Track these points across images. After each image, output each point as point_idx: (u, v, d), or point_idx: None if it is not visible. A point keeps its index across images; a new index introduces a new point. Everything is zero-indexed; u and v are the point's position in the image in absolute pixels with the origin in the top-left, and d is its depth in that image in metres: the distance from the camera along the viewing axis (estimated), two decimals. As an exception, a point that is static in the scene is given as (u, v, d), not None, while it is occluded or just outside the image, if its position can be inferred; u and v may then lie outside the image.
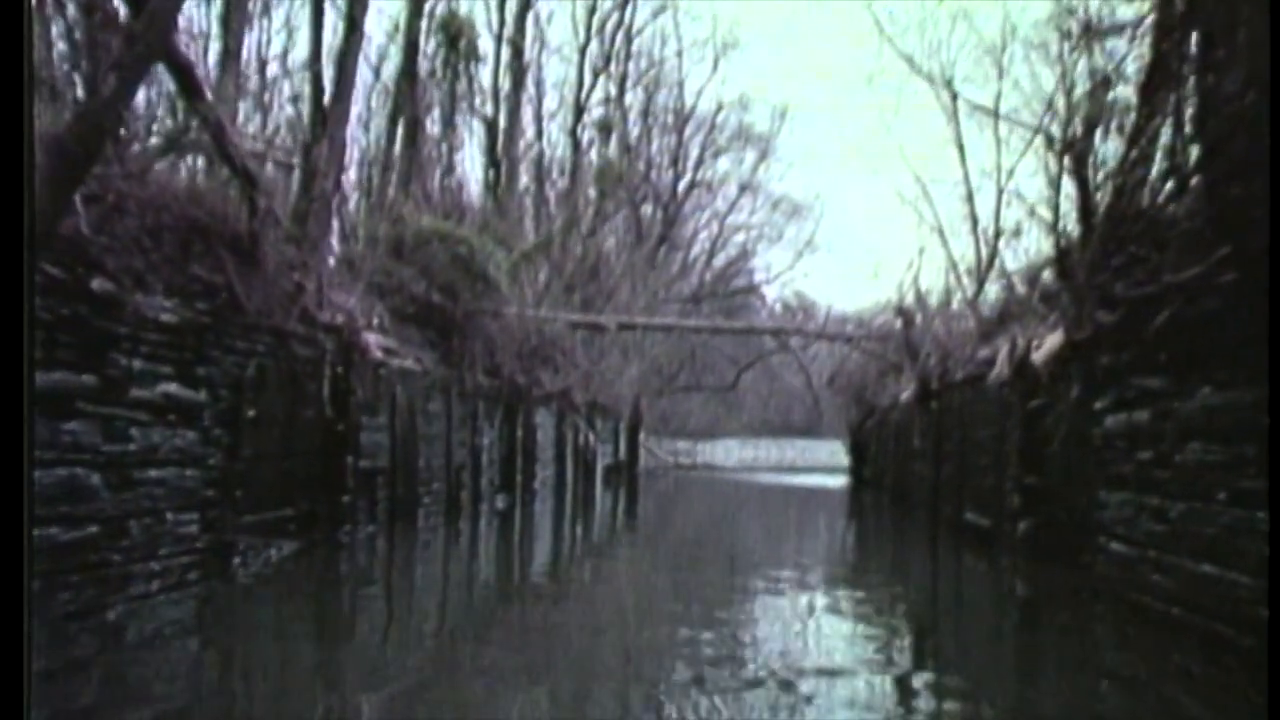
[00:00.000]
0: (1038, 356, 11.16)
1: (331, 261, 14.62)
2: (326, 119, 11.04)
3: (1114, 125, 8.31)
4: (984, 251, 19.60)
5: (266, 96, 15.18)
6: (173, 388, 8.01)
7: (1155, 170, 7.22)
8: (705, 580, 10.48)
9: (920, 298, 18.65)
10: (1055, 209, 13.40)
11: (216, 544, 8.57)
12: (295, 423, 10.36)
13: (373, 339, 12.10)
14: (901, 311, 17.48)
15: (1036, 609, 8.97)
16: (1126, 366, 7.69)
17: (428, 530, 13.48)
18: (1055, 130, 10.82)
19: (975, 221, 20.54)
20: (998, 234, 18.73)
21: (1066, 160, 9.07)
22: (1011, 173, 18.55)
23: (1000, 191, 19.27)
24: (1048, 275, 13.22)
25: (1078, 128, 9.06)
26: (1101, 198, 8.56)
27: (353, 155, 17.49)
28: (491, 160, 22.45)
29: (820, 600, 9.21)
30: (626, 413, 32.73)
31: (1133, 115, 7.97)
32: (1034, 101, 14.58)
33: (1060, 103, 9.81)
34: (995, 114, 14.40)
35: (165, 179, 8.42)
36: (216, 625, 7.39)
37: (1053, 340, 10.81)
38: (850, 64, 49.59)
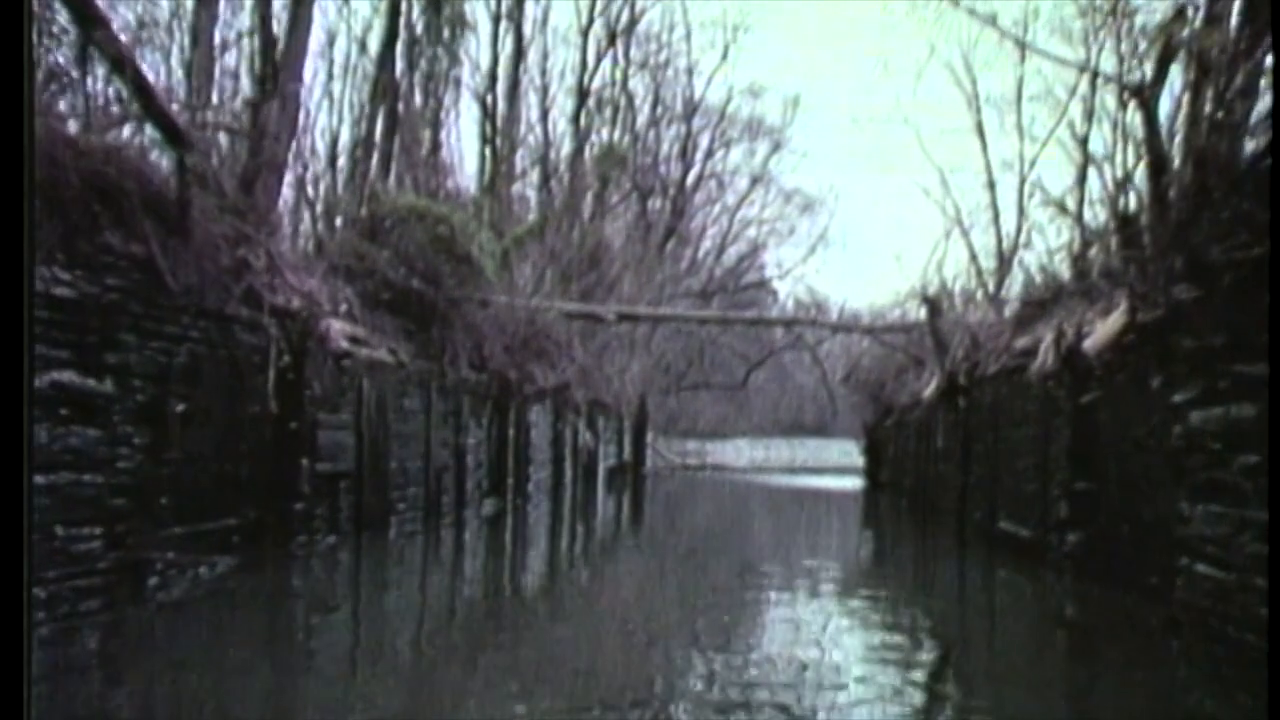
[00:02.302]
0: (1090, 344, 9.75)
1: (299, 240, 13.36)
2: (277, 72, 9.67)
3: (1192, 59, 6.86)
4: (1007, 239, 18.27)
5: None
6: (67, 376, 6.70)
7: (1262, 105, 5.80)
8: (713, 603, 9.13)
9: (944, 286, 17.22)
10: (1081, 193, 11.99)
11: (127, 562, 7.24)
12: (237, 420, 9.04)
13: (335, 326, 10.76)
14: (927, 300, 16.00)
15: (1100, 642, 7.49)
16: (1220, 351, 6.27)
17: (401, 539, 12.14)
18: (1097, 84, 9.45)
19: (996, 213, 19.23)
20: (1021, 214, 17.40)
21: (1131, 108, 7.63)
22: (1034, 161, 17.28)
23: (1023, 180, 18.01)
24: (1094, 251, 11.84)
25: (1145, 70, 7.63)
26: (1176, 146, 7.15)
27: (341, 135, 16.26)
28: (486, 140, 21.11)
29: (840, 624, 7.85)
30: (631, 411, 31.31)
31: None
32: (1057, 87, 13.19)
33: (1119, 46, 8.36)
34: (1021, 44, 12.81)
35: (58, 127, 7.07)
36: (108, 667, 6.04)
37: (1109, 325, 9.39)
38: (864, 52, 47.89)
